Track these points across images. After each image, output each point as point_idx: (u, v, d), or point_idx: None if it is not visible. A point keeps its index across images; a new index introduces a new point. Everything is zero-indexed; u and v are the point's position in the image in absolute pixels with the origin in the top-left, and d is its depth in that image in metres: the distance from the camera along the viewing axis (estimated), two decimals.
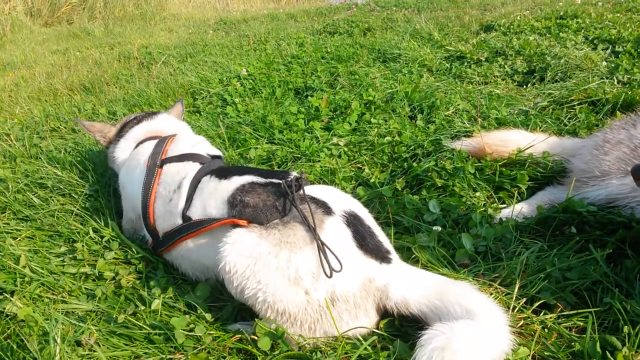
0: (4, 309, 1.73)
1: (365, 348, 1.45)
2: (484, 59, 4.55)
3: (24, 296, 1.84)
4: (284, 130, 3.20)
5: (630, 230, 1.79)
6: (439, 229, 2.02)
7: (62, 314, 1.73)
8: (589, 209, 1.93)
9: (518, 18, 5.90)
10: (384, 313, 1.57)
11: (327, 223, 1.57)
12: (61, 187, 2.67)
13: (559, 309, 1.57)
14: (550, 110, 3.26)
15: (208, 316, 1.67)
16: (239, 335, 1.58)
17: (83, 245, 2.12)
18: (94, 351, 1.53)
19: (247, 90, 4.29)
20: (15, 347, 1.54)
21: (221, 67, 5.29)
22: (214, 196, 1.80)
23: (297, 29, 7.66)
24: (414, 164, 2.58)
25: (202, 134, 3.06)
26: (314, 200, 1.65)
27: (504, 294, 1.65)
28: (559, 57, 4.12)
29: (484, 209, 2.19)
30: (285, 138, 3.09)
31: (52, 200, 2.55)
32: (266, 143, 3.10)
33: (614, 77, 3.55)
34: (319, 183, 2.63)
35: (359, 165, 2.79)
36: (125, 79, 5.37)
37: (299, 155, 2.88)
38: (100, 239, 2.17)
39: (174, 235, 1.86)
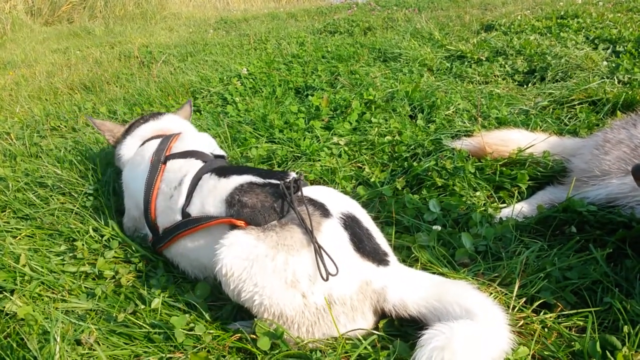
0: (4, 307, 1.73)
1: (365, 347, 1.45)
2: (484, 59, 4.55)
3: (23, 295, 1.84)
4: (284, 129, 3.20)
5: (630, 229, 1.79)
6: (439, 228, 2.02)
7: (62, 312, 1.74)
8: (589, 209, 1.93)
9: (519, 17, 5.90)
10: (383, 315, 1.57)
11: (324, 225, 1.57)
12: (61, 186, 2.68)
13: (559, 309, 1.57)
14: (551, 109, 3.25)
15: (208, 315, 1.67)
16: (239, 335, 1.58)
17: (83, 244, 2.12)
18: (94, 350, 1.53)
19: (247, 90, 4.29)
20: (15, 345, 1.54)
21: (222, 66, 5.29)
22: (213, 194, 1.80)
23: (297, 28, 7.65)
24: (414, 164, 2.58)
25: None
26: (312, 202, 1.64)
27: (503, 294, 1.65)
28: (559, 57, 4.12)
29: (484, 208, 2.19)
30: (286, 137, 3.09)
31: (52, 199, 2.55)
32: (266, 142, 3.09)
33: (615, 77, 3.55)
34: (320, 182, 2.63)
35: (359, 164, 2.79)
36: (125, 78, 5.37)
37: (299, 155, 2.88)
38: (100, 238, 2.17)
39: (172, 232, 1.86)
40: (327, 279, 1.44)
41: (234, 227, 1.64)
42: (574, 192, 2.06)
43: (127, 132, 2.58)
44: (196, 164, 2.02)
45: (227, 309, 1.74)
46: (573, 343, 1.43)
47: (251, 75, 4.63)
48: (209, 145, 2.34)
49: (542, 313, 1.56)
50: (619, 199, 1.94)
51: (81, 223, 2.29)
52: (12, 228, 2.30)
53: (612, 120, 2.52)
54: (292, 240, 1.52)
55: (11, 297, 1.77)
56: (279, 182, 1.70)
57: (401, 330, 1.55)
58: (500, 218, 2.10)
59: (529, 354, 1.42)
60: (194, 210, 1.83)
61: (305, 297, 1.47)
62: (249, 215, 1.62)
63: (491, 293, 1.65)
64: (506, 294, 1.64)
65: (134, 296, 1.84)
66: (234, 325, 1.64)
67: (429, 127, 3.09)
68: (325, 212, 1.61)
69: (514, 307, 1.59)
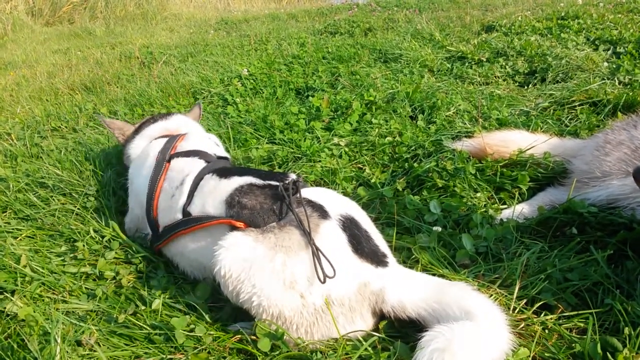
0: (5, 308, 1.73)
1: (366, 349, 1.45)
2: (485, 60, 4.55)
3: (24, 296, 1.84)
4: (284, 130, 3.20)
5: (631, 231, 1.79)
6: (440, 229, 2.02)
7: (62, 313, 1.74)
8: (589, 210, 1.92)
9: (519, 18, 5.90)
10: (382, 317, 1.56)
11: (322, 227, 1.57)
12: (62, 186, 2.68)
13: (560, 310, 1.57)
14: (552, 111, 3.25)
15: (208, 316, 1.67)
16: (239, 336, 1.58)
17: (84, 245, 2.12)
18: (94, 351, 1.53)
19: (248, 90, 4.29)
20: (15, 346, 1.54)
21: (222, 67, 5.29)
22: (213, 195, 1.80)
23: (298, 29, 7.66)
24: (415, 165, 2.58)
25: None
26: (311, 203, 1.65)
27: (504, 295, 1.64)
28: (560, 58, 4.12)
29: (484, 209, 2.19)
30: (286, 138, 3.09)
31: (53, 199, 2.55)
32: (267, 143, 3.10)
33: (615, 78, 3.55)
34: (320, 183, 2.63)
35: (359, 165, 2.79)
36: (126, 79, 5.37)
37: (300, 156, 2.88)
38: (101, 239, 2.17)
39: (171, 229, 1.87)
40: (324, 282, 1.44)
41: (233, 228, 1.64)
42: (574, 194, 2.06)
43: (136, 131, 2.62)
44: (199, 164, 2.04)
45: (228, 310, 1.74)
46: (574, 344, 1.43)
47: (252, 76, 4.63)
48: (214, 146, 2.37)
49: (542, 314, 1.56)
50: (619, 200, 1.94)
51: (82, 224, 2.29)
52: (13, 229, 2.30)
53: (613, 122, 2.52)
54: (290, 242, 1.52)
55: (12, 298, 1.77)
56: (278, 183, 1.70)
57: (401, 331, 1.55)
58: (501, 219, 2.10)
59: (529, 356, 1.42)
60: (195, 210, 1.84)
61: (304, 298, 1.47)
62: (248, 216, 1.63)
63: (491, 294, 1.64)
64: (507, 295, 1.64)
65: (135, 297, 1.84)
66: (234, 327, 1.64)
67: (429, 128, 3.09)
68: (323, 214, 1.61)
69: (515, 308, 1.59)
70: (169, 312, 1.73)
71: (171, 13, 11.44)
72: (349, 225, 1.61)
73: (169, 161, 2.13)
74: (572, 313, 1.55)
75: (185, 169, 2.02)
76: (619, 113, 2.95)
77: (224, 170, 1.94)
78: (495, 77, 4.13)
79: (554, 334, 1.49)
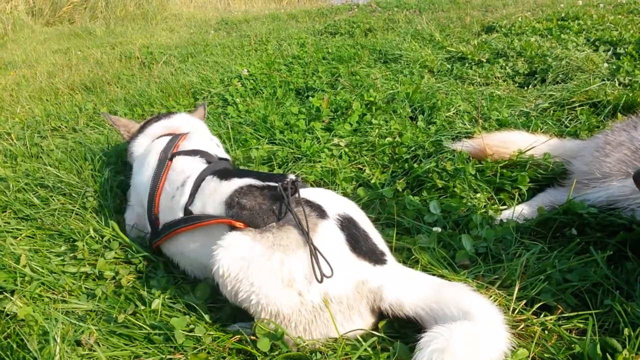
0: (4, 308, 1.73)
1: (365, 349, 1.45)
2: (485, 60, 4.55)
3: (24, 295, 1.84)
4: (284, 130, 3.20)
5: (630, 232, 1.79)
6: (439, 230, 2.02)
7: (62, 313, 1.74)
8: (589, 211, 1.92)
9: (519, 19, 5.90)
10: (381, 315, 1.57)
11: (320, 226, 1.58)
12: (61, 186, 2.68)
13: (559, 311, 1.57)
14: (551, 111, 3.25)
15: (208, 317, 1.67)
16: (239, 336, 1.58)
17: (83, 245, 2.12)
18: (94, 351, 1.53)
19: (248, 91, 4.29)
20: (15, 346, 1.54)
21: (222, 67, 5.30)
22: (213, 196, 1.81)
23: (298, 29, 7.66)
24: (415, 165, 2.58)
25: None
26: (309, 203, 1.65)
27: (504, 296, 1.64)
28: (560, 59, 4.12)
29: (484, 210, 2.19)
30: (286, 138, 3.09)
31: (53, 199, 2.55)
32: (267, 143, 3.10)
33: (615, 79, 3.55)
34: (320, 184, 2.63)
35: (359, 166, 2.79)
36: (126, 79, 5.37)
37: (300, 156, 2.88)
38: (100, 239, 2.17)
39: (171, 227, 1.88)
40: (321, 281, 1.45)
41: (232, 228, 1.64)
42: (574, 194, 2.06)
43: (141, 129, 2.65)
44: (200, 166, 2.05)
45: (227, 311, 1.74)
46: (573, 345, 1.43)
47: (252, 76, 4.63)
48: (215, 147, 2.39)
49: (542, 315, 1.56)
50: (619, 202, 1.94)
51: (81, 224, 2.29)
52: (12, 228, 2.30)
53: (613, 123, 2.52)
54: (288, 241, 1.53)
55: (11, 298, 1.77)
56: (277, 184, 1.71)
57: (401, 332, 1.55)
58: (501, 220, 2.10)
59: (528, 356, 1.42)
60: (195, 210, 1.85)
61: (302, 296, 1.48)
62: (248, 217, 1.63)
63: (491, 295, 1.64)
64: (506, 296, 1.64)
65: (134, 297, 1.84)
66: (233, 327, 1.64)
67: (429, 128, 3.10)
68: (322, 214, 1.62)
69: (514, 309, 1.59)
70: (168, 312, 1.73)
71: (171, 13, 11.45)
72: (347, 225, 1.62)
73: (171, 159, 2.15)
74: (571, 314, 1.55)
75: (186, 170, 2.03)
76: (619, 114, 2.95)
77: (224, 172, 1.95)
78: (495, 77, 4.13)
79: (553, 335, 1.49)
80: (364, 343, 1.47)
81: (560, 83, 3.78)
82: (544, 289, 1.64)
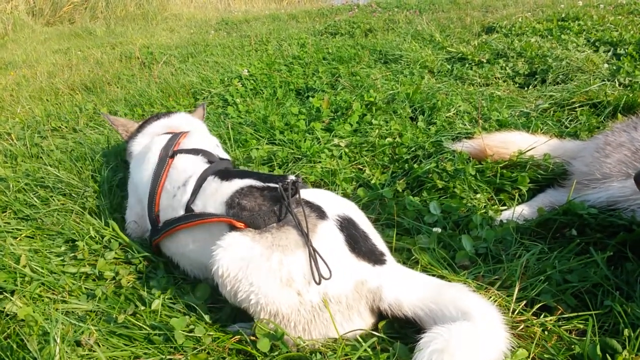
0: (4, 308, 1.73)
1: (365, 350, 1.45)
2: (485, 61, 4.55)
3: (24, 296, 1.84)
4: (285, 131, 3.20)
5: (631, 233, 1.79)
6: (440, 230, 2.02)
7: (62, 313, 1.73)
8: (589, 212, 1.92)
9: (520, 20, 5.90)
10: (381, 315, 1.57)
11: (319, 227, 1.58)
12: (61, 186, 2.68)
13: (559, 312, 1.57)
14: (552, 112, 3.25)
15: (208, 317, 1.67)
16: (239, 336, 1.58)
17: (83, 245, 2.12)
18: (94, 351, 1.53)
19: (248, 91, 4.29)
20: (15, 346, 1.54)
21: (222, 68, 5.30)
22: (214, 197, 1.82)
23: (298, 29, 7.66)
24: (415, 166, 2.58)
25: None
26: (309, 204, 1.66)
27: (504, 296, 1.64)
28: (560, 59, 4.12)
29: (484, 210, 2.19)
30: (286, 139, 3.09)
31: (53, 199, 2.55)
32: (267, 144, 3.10)
33: (616, 80, 3.55)
34: (320, 184, 2.63)
35: (359, 166, 2.79)
36: (126, 79, 5.37)
37: (300, 156, 2.88)
38: (100, 239, 2.17)
39: (171, 223, 1.88)
40: (319, 283, 1.46)
41: (233, 228, 1.64)
42: (574, 195, 2.06)
43: (139, 128, 2.65)
44: (202, 166, 2.05)
45: (227, 311, 1.74)
46: (573, 346, 1.43)
47: (252, 76, 4.63)
48: (215, 147, 2.39)
49: (542, 316, 1.56)
50: (619, 202, 1.94)
51: (81, 224, 2.29)
52: (12, 229, 2.30)
53: (613, 123, 2.52)
54: (287, 241, 1.54)
55: (11, 298, 1.77)
56: (277, 185, 1.71)
57: (401, 332, 1.55)
58: (501, 220, 2.10)
59: (528, 357, 1.42)
60: (196, 210, 1.85)
61: (301, 296, 1.48)
62: (248, 218, 1.63)
63: (491, 296, 1.64)
64: (506, 296, 1.64)
65: (134, 297, 1.84)
66: (233, 327, 1.64)
67: (429, 129, 3.09)
68: (321, 214, 1.62)
69: (514, 309, 1.59)
70: (168, 312, 1.73)
71: (171, 13, 11.45)
72: (347, 226, 1.62)
73: (172, 157, 2.15)
74: (571, 314, 1.55)
75: (188, 169, 2.04)
76: (619, 115, 2.95)
77: (225, 172, 1.95)
78: (495, 78, 4.14)
79: (553, 336, 1.49)
80: (363, 343, 1.47)
81: (560, 84, 3.78)
82: (544, 289, 1.64)
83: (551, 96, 3.47)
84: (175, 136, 2.33)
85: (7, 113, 4.53)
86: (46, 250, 2.13)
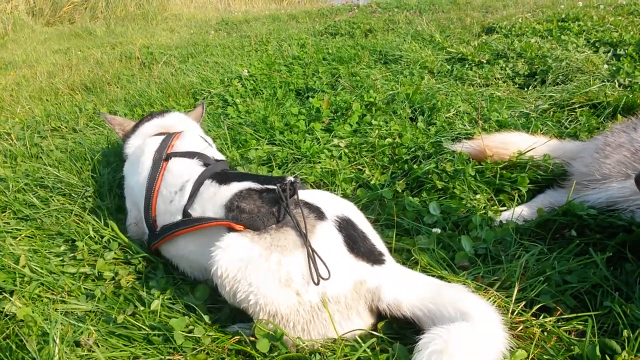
0: (3, 308, 1.72)
1: (365, 350, 1.45)
2: (485, 61, 4.55)
3: (23, 296, 1.84)
4: (284, 131, 3.20)
5: (630, 233, 1.79)
6: (439, 231, 2.02)
7: (61, 314, 1.73)
8: (589, 212, 1.92)
9: (520, 20, 5.90)
10: (380, 315, 1.57)
11: (318, 228, 1.58)
12: (61, 186, 2.68)
13: (559, 312, 1.57)
14: (551, 113, 3.25)
15: (207, 318, 1.67)
16: (238, 337, 1.58)
17: (83, 245, 2.12)
18: (93, 351, 1.53)
19: (248, 91, 4.29)
20: (14, 347, 1.54)
21: (222, 68, 5.30)
22: (213, 201, 1.81)
23: (298, 30, 7.66)
24: (415, 166, 2.58)
25: None
26: (308, 205, 1.66)
27: (503, 297, 1.64)
28: (560, 60, 4.12)
29: (484, 211, 2.19)
30: (286, 139, 3.09)
31: (52, 200, 2.55)
32: (267, 144, 3.10)
33: (615, 80, 3.55)
34: (320, 185, 2.63)
35: (359, 166, 2.79)
36: (126, 79, 5.37)
37: (300, 157, 2.88)
38: (100, 239, 2.17)
39: (170, 229, 1.87)
40: (317, 283, 1.46)
41: (232, 231, 1.64)
42: (574, 196, 2.06)
43: (134, 128, 2.64)
44: (197, 169, 2.03)
45: (226, 311, 1.74)
46: (572, 347, 1.43)
47: (252, 76, 4.63)
48: (209, 147, 2.38)
49: (541, 317, 1.56)
50: (619, 203, 1.94)
51: (81, 224, 2.29)
52: (12, 229, 2.30)
53: (613, 124, 2.52)
54: (285, 242, 1.54)
55: (11, 298, 1.77)
56: (276, 187, 1.71)
57: (400, 333, 1.55)
58: (500, 221, 2.10)
59: (527, 358, 1.42)
60: (194, 215, 1.85)
61: (300, 296, 1.48)
62: (247, 220, 1.63)
63: (490, 297, 1.64)
64: (506, 297, 1.64)
65: (134, 298, 1.84)
66: (232, 328, 1.64)
67: (429, 129, 3.09)
68: (320, 215, 1.63)
69: (513, 310, 1.59)
70: (167, 313, 1.73)
71: (172, 13, 11.45)
72: (345, 226, 1.62)
73: (166, 160, 2.13)
74: (571, 315, 1.55)
75: (184, 173, 2.01)
76: (618, 115, 2.95)
77: (223, 175, 1.94)
78: (495, 78, 4.14)
79: (552, 337, 1.49)
80: (363, 344, 1.47)
81: (560, 84, 3.78)
82: (544, 290, 1.64)
83: (551, 97, 3.47)
84: (169, 137, 2.30)
85: (7, 113, 4.53)
86: (46, 250, 2.13)
